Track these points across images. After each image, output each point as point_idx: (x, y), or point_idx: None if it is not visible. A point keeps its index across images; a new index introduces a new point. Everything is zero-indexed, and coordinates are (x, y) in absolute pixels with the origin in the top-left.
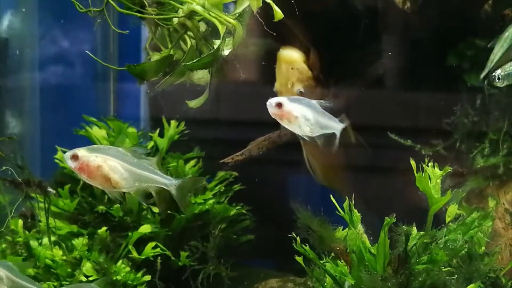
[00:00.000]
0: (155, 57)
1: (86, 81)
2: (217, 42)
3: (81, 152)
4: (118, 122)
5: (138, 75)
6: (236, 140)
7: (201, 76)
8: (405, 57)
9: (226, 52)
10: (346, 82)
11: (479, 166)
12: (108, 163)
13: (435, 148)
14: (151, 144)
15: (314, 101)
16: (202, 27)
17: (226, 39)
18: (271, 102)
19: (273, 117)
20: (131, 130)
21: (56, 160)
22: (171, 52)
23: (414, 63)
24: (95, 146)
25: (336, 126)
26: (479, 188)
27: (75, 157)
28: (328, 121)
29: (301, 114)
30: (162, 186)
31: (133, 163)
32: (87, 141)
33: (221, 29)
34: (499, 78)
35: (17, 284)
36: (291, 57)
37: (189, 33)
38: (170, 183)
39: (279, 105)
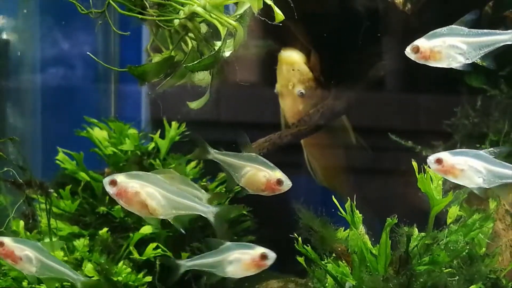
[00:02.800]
0: (156, 58)
1: (87, 82)
2: (218, 44)
3: (120, 178)
4: (119, 123)
5: (139, 77)
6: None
7: (202, 77)
8: (406, 59)
9: (227, 53)
10: (347, 83)
11: None
12: (146, 190)
13: (436, 150)
14: (152, 145)
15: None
16: (203, 28)
17: (227, 41)
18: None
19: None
20: (132, 131)
21: (57, 161)
22: (172, 53)
23: (415, 64)
24: (134, 172)
25: None
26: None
27: (113, 183)
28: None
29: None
30: (200, 214)
31: (171, 190)
32: (89, 142)
33: (222, 31)
34: None
35: (46, 264)
36: (292, 58)
37: (190, 34)
38: (208, 210)
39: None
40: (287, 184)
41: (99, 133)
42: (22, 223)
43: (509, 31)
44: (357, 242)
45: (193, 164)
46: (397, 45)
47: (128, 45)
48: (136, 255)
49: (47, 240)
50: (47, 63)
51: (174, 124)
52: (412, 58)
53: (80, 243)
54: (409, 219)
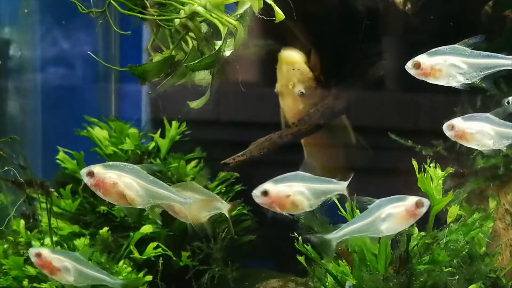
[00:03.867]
0: (157, 58)
1: (87, 82)
2: (219, 43)
3: (97, 169)
4: (119, 122)
5: (139, 76)
6: (237, 140)
7: (203, 77)
8: (406, 58)
9: (227, 53)
10: (347, 83)
11: (479, 166)
12: (124, 180)
13: (436, 149)
14: (152, 144)
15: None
16: (204, 28)
17: (228, 40)
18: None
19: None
20: (133, 130)
21: (57, 161)
22: (173, 53)
23: None
24: (111, 163)
25: None
26: (479, 188)
27: (90, 174)
28: None
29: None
30: (177, 204)
31: (149, 180)
32: (89, 142)
33: (223, 30)
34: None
35: (85, 274)
36: (292, 58)
37: (190, 34)
38: (185, 201)
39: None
40: None
41: (99, 133)
42: (22, 222)
43: (510, 56)
44: (357, 241)
45: (193, 163)
46: (397, 45)
47: (129, 45)
48: (136, 254)
49: (47, 239)
50: (47, 63)
51: (174, 123)
52: (412, 74)
53: (81, 242)
54: None
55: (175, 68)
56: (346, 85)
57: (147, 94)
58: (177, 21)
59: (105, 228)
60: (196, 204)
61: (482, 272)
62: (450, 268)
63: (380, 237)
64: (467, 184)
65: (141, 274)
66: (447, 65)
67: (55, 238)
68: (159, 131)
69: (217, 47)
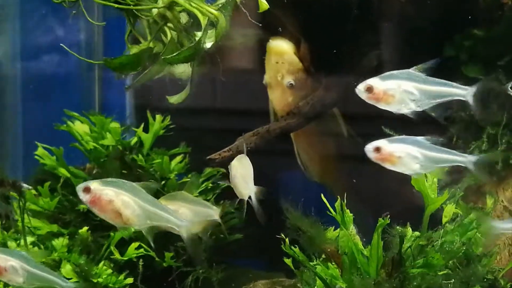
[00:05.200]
0: (134, 50)
1: (70, 72)
2: (199, 34)
3: (94, 185)
4: (100, 117)
5: (115, 70)
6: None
7: (183, 70)
8: (400, 48)
9: (208, 44)
10: (338, 74)
11: None
12: (121, 198)
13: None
14: (134, 139)
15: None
16: (184, 18)
17: (209, 31)
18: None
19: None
20: (114, 125)
21: (36, 157)
22: (151, 45)
23: (409, 54)
24: (109, 179)
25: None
26: (476, 185)
27: (87, 190)
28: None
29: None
30: (174, 227)
31: (147, 199)
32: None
33: (203, 21)
34: None
35: (33, 274)
36: (281, 48)
37: (169, 24)
38: (182, 224)
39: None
40: None
41: (80, 127)
42: None
43: (466, 87)
44: (348, 242)
45: (178, 158)
46: (391, 34)
47: (112, 35)
48: (117, 255)
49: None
50: (28, 52)
51: (158, 117)
52: (362, 97)
53: (59, 242)
54: (404, 215)
55: (154, 60)
56: (337, 76)
57: (124, 88)
58: (155, 11)
59: (85, 228)
60: (196, 225)
61: (479, 274)
62: (445, 271)
63: (370, 239)
64: (464, 180)
65: (121, 276)
66: (400, 91)
67: (32, 239)
68: (142, 125)
69: (197, 39)
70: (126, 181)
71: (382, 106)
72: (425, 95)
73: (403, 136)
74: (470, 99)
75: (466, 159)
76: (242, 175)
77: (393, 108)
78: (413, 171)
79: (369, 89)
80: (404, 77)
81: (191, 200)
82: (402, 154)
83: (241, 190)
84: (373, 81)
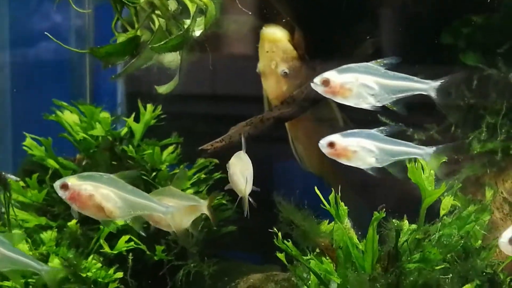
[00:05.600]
0: (121, 38)
1: (61, 58)
2: (188, 22)
3: (71, 180)
4: (90, 106)
5: (102, 59)
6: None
7: (172, 59)
8: (396, 35)
9: (197, 33)
10: (333, 62)
11: (475, 152)
12: (100, 192)
13: (429, 133)
14: (125, 130)
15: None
16: (172, 5)
17: (198, 19)
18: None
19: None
20: (104, 115)
21: (24, 147)
22: (138, 33)
23: (406, 42)
24: (86, 173)
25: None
26: (475, 175)
27: (65, 187)
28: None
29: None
30: (159, 214)
31: (127, 190)
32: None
33: (192, 8)
34: None
35: (8, 257)
36: (275, 35)
37: (157, 12)
38: (167, 210)
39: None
40: None
41: (69, 117)
42: None
43: (428, 81)
44: (342, 236)
45: (170, 149)
46: (387, 22)
47: (103, 22)
48: (107, 248)
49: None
50: (17, 41)
51: (149, 106)
52: (319, 91)
53: (47, 236)
54: (401, 208)
55: (141, 49)
56: (333, 64)
57: (110, 78)
58: None
59: (74, 220)
60: (182, 212)
61: (478, 268)
62: (443, 264)
63: (367, 233)
64: (462, 171)
65: (111, 271)
66: (358, 85)
67: (20, 231)
68: (133, 115)
69: (186, 27)
70: (104, 173)
71: (339, 100)
72: (385, 89)
73: (357, 130)
74: (432, 94)
75: (423, 152)
76: (242, 172)
77: (351, 102)
78: (368, 165)
79: (325, 83)
80: (362, 70)
81: (180, 195)
82: (357, 149)
83: (241, 188)
84: (330, 74)
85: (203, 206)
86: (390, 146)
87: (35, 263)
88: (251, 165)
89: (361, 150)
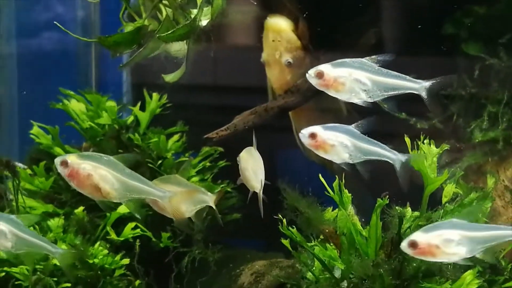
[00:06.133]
0: (129, 28)
1: (67, 47)
2: (195, 12)
3: (71, 158)
4: (96, 95)
5: (110, 48)
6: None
7: (179, 48)
8: (399, 26)
9: (203, 22)
10: (336, 52)
11: (477, 140)
12: (99, 172)
13: (431, 122)
14: (131, 118)
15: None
16: None
17: (204, 9)
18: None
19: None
20: (110, 103)
21: (31, 136)
22: (145, 22)
23: (409, 32)
24: (87, 153)
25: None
26: (477, 164)
27: (64, 164)
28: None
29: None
30: (156, 199)
31: (125, 173)
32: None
33: None
34: None
35: (22, 239)
36: (279, 25)
37: (164, 2)
38: (164, 195)
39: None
40: None
41: (76, 106)
42: None
43: (419, 80)
44: (346, 223)
45: (175, 137)
46: (390, 12)
47: (109, 12)
48: (113, 235)
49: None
50: (24, 31)
51: (155, 95)
52: (313, 83)
53: (55, 223)
54: (404, 195)
55: (148, 39)
56: (336, 54)
57: (119, 67)
58: None
59: (81, 208)
60: (180, 197)
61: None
62: None
63: (370, 219)
64: (464, 159)
65: (118, 257)
66: (351, 80)
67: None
68: (138, 104)
69: (193, 16)
70: (104, 155)
71: (332, 93)
72: (378, 86)
73: (337, 124)
74: (423, 94)
75: (395, 157)
76: (253, 167)
77: (343, 96)
78: (342, 160)
79: (320, 75)
80: (357, 66)
81: (185, 184)
82: (335, 143)
83: (253, 183)
84: (324, 67)
85: (210, 200)
86: (365, 145)
87: (49, 245)
88: (261, 159)
89: (338, 144)
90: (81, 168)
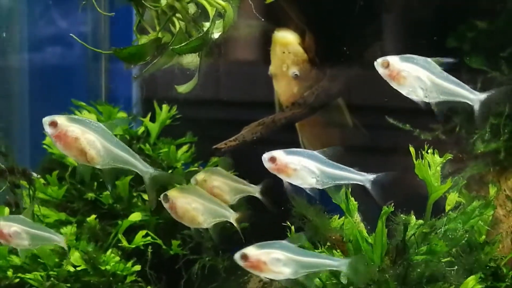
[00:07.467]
0: (143, 40)
1: (77, 62)
2: (207, 25)
3: (61, 120)
4: (108, 106)
5: (124, 59)
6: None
7: (191, 60)
8: (404, 39)
9: (216, 35)
10: (342, 65)
11: (479, 151)
12: (86, 137)
13: (434, 133)
14: (141, 129)
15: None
16: (192, 9)
17: (216, 22)
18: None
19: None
20: (121, 114)
21: (44, 146)
22: (159, 35)
23: (413, 45)
24: (77, 116)
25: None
26: (479, 174)
27: (53, 124)
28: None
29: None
30: (137, 171)
31: (113, 141)
32: None
33: (211, 12)
34: None
35: (35, 235)
36: (286, 39)
37: (177, 15)
38: (146, 170)
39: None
40: None
41: (88, 117)
42: (7, 210)
43: (476, 92)
44: (352, 230)
45: (184, 148)
46: (395, 25)
47: (119, 25)
48: (125, 243)
49: None
50: (35, 43)
51: (165, 107)
52: (379, 71)
53: (67, 230)
54: (408, 204)
55: (162, 50)
56: (342, 67)
57: (132, 78)
58: (163, 1)
59: (93, 216)
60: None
61: (482, 262)
62: (448, 258)
63: (376, 226)
64: (467, 169)
65: (129, 264)
66: (413, 76)
67: None
68: (149, 115)
69: (205, 29)
70: (94, 121)
71: (394, 85)
72: (436, 88)
73: (300, 149)
74: (476, 106)
75: (363, 178)
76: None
77: (403, 90)
78: (309, 185)
79: (386, 65)
80: (421, 64)
81: (206, 198)
82: (297, 167)
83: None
84: (392, 59)
85: (231, 217)
86: (331, 170)
87: (56, 236)
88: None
89: (302, 169)
90: (70, 130)
